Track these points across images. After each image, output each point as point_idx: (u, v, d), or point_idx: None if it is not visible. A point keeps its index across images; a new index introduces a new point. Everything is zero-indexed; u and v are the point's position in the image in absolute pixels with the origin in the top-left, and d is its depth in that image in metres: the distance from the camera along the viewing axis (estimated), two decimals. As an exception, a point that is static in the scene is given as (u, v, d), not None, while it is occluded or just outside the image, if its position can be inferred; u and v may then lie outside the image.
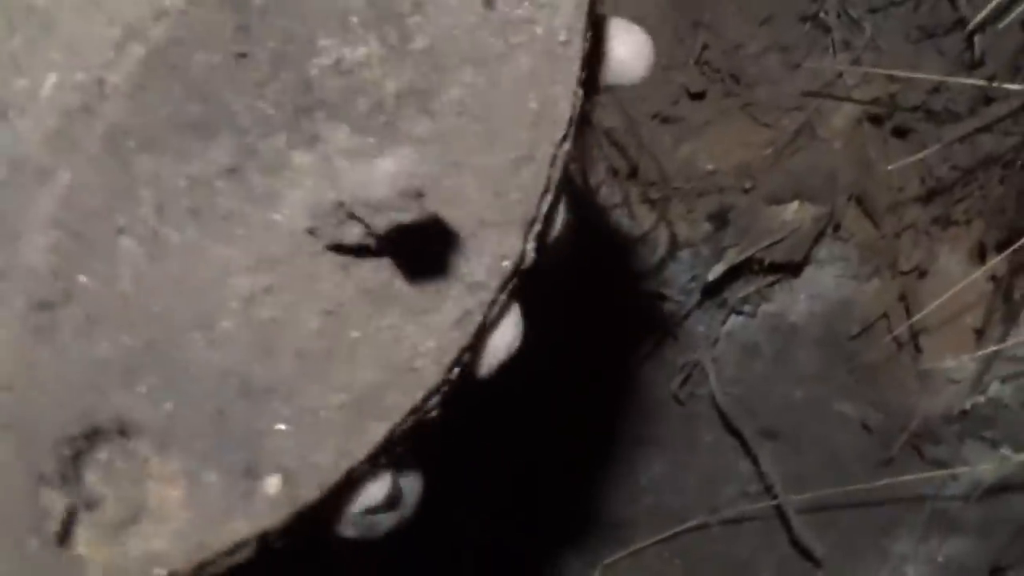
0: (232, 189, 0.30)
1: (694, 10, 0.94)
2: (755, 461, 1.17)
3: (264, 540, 0.31)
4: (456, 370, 0.33)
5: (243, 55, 0.30)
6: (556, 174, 0.33)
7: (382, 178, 0.29)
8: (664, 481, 1.25)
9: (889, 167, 0.83)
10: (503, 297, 0.33)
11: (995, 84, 0.77)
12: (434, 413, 0.33)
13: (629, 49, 0.39)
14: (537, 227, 0.33)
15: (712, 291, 1.13)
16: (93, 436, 0.29)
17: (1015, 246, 0.81)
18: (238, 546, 0.30)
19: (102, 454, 0.30)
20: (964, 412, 1.07)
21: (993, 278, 0.99)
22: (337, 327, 0.31)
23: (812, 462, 1.19)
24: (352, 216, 0.29)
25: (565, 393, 1.11)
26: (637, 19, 0.98)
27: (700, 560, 1.22)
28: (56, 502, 0.29)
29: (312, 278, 0.31)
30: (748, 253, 1.02)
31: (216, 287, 0.30)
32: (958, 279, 0.96)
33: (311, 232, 0.30)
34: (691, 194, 1.06)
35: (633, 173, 1.03)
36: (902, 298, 1.03)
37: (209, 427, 0.30)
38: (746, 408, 1.18)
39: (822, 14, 0.89)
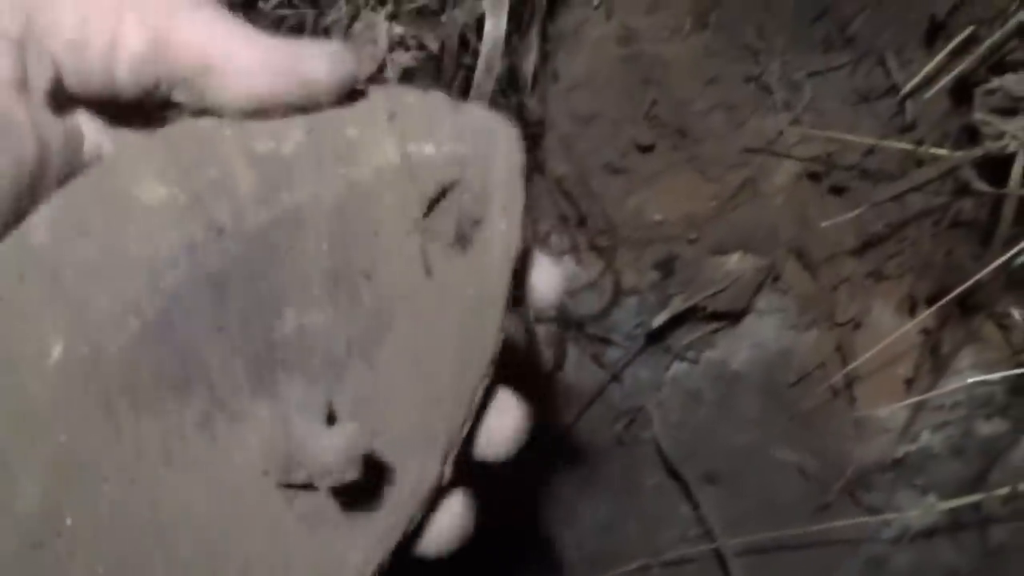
0: (200, 437, 0.35)
1: (644, 68, 0.97)
2: (696, 505, 1.19)
3: None
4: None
5: (221, 328, 0.35)
6: (477, 404, 0.38)
7: (331, 448, 0.33)
8: (607, 524, 1.26)
9: (824, 224, 0.87)
10: (420, 514, 0.38)
11: (924, 148, 0.82)
12: None
13: (545, 282, 0.44)
14: (455, 451, 0.38)
15: (657, 337, 1.16)
16: None
17: (941, 302, 0.85)
18: None
19: None
20: (896, 460, 1.11)
21: (923, 331, 1.04)
22: (277, 546, 0.35)
23: (752, 506, 1.22)
24: (301, 465, 0.34)
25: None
26: (590, 75, 1.01)
27: (641, 603, 1.23)
28: None
29: (260, 508, 0.35)
30: (692, 301, 1.05)
31: (180, 513, 0.34)
32: (890, 331, 1.00)
33: (264, 473, 0.35)
34: (639, 243, 1.09)
35: (582, 221, 1.06)
36: (838, 348, 1.07)
37: None
38: (689, 452, 1.21)
39: (765, 76, 0.93)
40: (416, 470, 0.38)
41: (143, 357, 0.35)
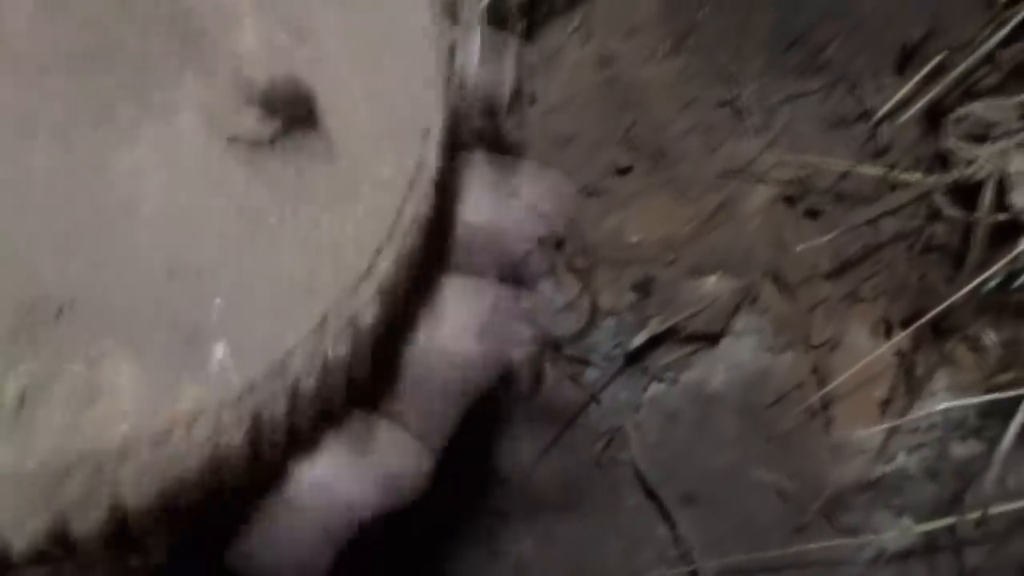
0: (134, 104, 0.33)
1: (621, 91, 0.98)
2: (673, 526, 1.19)
3: (220, 425, 0.31)
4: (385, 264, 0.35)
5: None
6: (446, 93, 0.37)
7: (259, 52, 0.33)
8: (586, 545, 1.26)
9: (800, 247, 0.88)
10: (412, 194, 0.35)
11: (896, 173, 0.83)
12: (371, 312, 0.34)
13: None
14: (436, 136, 0.36)
15: (635, 359, 1.16)
16: (35, 310, 0.30)
17: (915, 325, 0.86)
18: (195, 415, 0.31)
19: (48, 332, 0.30)
20: (872, 481, 1.11)
21: (898, 353, 1.04)
22: (254, 215, 0.33)
23: (729, 528, 1.22)
24: (247, 102, 0.32)
25: (486, 456, 1.13)
26: (567, 99, 1.02)
27: (620, 625, 1.23)
28: (10, 377, 0.29)
29: (221, 172, 0.33)
30: (670, 323, 1.05)
31: (132, 180, 0.32)
32: (866, 353, 1.01)
33: (209, 128, 0.33)
34: (616, 264, 1.09)
35: (559, 243, 1.06)
36: (815, 370, 1.07)
37: (145, 303, 0.31)
38: (667, 473, 1.21)
39: (740, 101, 0.94)
40: (395, 152, 0.36)
41: (46, 31, 0.33)
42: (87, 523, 0.30)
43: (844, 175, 0.93)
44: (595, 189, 1.05)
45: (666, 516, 1.19)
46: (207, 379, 0.31)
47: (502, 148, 0.99)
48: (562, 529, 1.26)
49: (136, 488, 0.30)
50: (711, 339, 1.11)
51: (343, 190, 0.35)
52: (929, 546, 1.13)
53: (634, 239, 1.07)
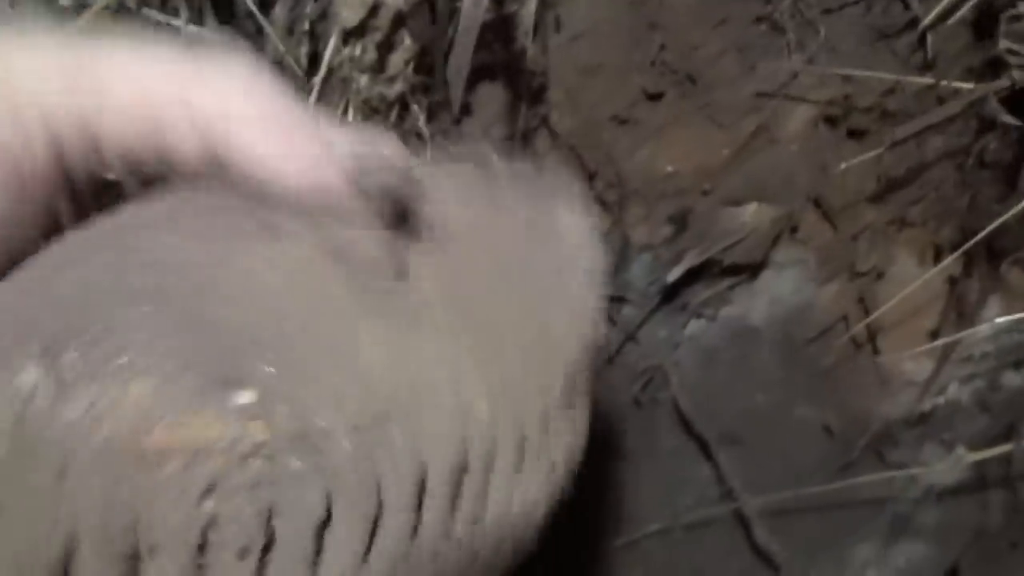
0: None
1: (649, 12, 0.93)
2: (716, 466, 1.16)
3: None
4: None
5: None
6: None
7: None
8: (625, 486, 1.24)
9: (844, 165, 0.83)
10: None
11: (946, 83, 0.78)
12: None
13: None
14: None
15: (672, 294, 1.12)
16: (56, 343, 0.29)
17: (966, 245, 0.81)
18: (193, 450, 0.28)
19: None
20: (923, 414, 1.07)
21: (948, 279, 1.00)
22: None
23: (772, 467, 1.19)
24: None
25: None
26: (593, 23, 0.98)
27: (661, 565, 1.21)
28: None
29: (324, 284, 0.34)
30: (707, 255, 1.02)
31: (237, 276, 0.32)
32: (914, 280, 0.97)
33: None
34: (650, 197, 1.05)
35: (591, 175, 1.03)
36: (860, 300, 1.03)
37: (190, 343, 0.30)
38: (707, 413, 1.18)
39: (777, 15, 0.89)
40: None
41: None
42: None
43: (889, 90, 0.88)
44: (625, 118, 1.01)
45: (708, 456, 1.17)
46: (220, 417, 0.29)
47: (529, 76, 0.96)
48: (600, 471, 1.24)
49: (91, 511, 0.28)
50: (750, 271, 1.07)
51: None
52: (981, 479, 1.09)
53: (668, 169, 1.03)
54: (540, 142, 1.00)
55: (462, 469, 0.32)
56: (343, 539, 0.28)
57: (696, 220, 1.05)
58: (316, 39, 0.75)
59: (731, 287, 1.11)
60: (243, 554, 0.27)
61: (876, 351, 1.03)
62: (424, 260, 0.34)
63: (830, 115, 0.94)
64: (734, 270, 1.07)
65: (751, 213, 1.01)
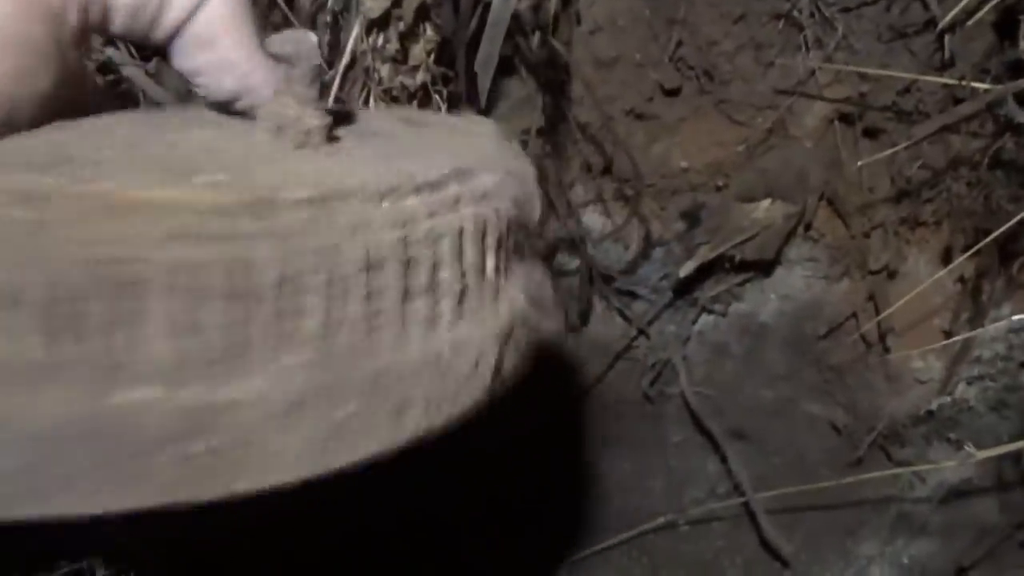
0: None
1: (668, 7, 0.94)
2: (724, 460, 1.17)
3: None
4: None
5: None
6: None
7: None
8: (632, 480, 1.24)
9: (860, 163, 0.83)
10: None
11: (964, 83, 0.78)
12: None
13: None
14: None
15: (684, 290, 1.13)
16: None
17: (979, 245, 0.81)
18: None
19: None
20: (930, 413, 1.08)
21: (961, 279, 1.00)
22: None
23: (780, 463, 1.19)
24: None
25: (534, 391, 1.11)
26: (612, 17, 0.98)
27: (667, 559, 1.22)
28: None
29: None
30: (720, 250, 1.02)
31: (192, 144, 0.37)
32: (926, 280, 0.97)
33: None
34: (664, 192, 1.06)
35: (607, 169, 1.03)
36: (871, 298, 1.04)
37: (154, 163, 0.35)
38: (716, 408, 1.18)
39: (795, 12, 0.89)
40: None
41: None
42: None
43: (906, 89, 0.89)
44: (641, 113, 1.01)
45: (716, 450, 1.17)
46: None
47: (553, 69, 0.96)
48: (608, 464, 1.25)
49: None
50: (762, 268, 1.08)
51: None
52: (989, 478, 1.09)
53: (683, 164, 1.03)
54: (562, 135, 1.01)
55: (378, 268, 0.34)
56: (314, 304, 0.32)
57: (709, 216, 1.05)
58: (339, 28, 0.75)
59: (742, 283, 1.11)
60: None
61: (886, 349, 1.04)
62: (351, 132, 0.40)
63: (846, 113, 0.94)
64: (746, 266, 1.07)
65: (764, 209, 1.01)
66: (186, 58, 0.41)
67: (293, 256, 0.31)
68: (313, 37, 0.39)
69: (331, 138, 0.38)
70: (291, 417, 0.32)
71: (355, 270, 0.32)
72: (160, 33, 0.40)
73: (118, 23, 0.39)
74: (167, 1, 0.39)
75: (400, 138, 0.42)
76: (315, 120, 0.37)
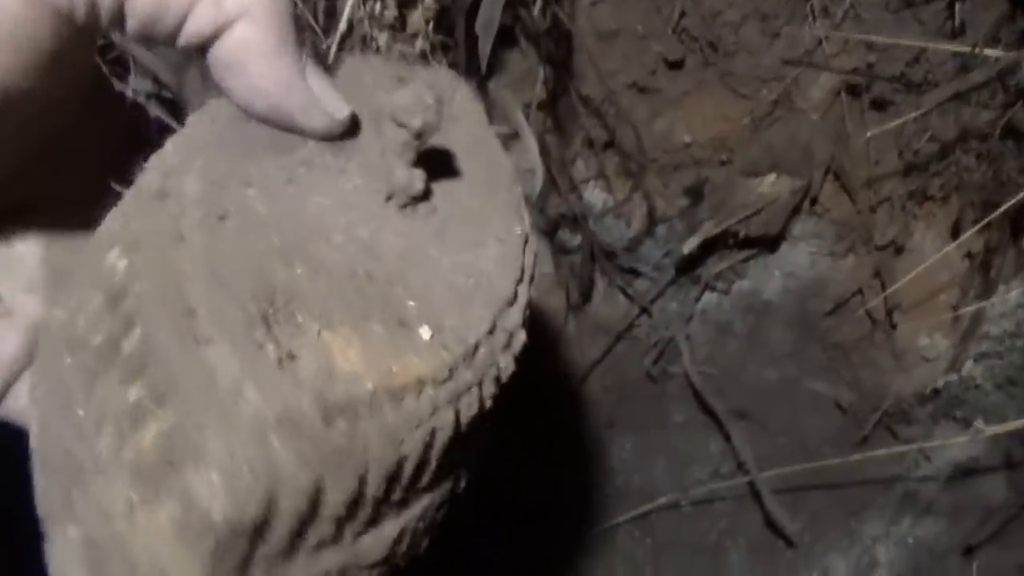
0: (312, 169, 0.42)
1: (672, -24, 0.92)
2: (728, 439, 1.16)
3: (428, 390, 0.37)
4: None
5: None
6: None
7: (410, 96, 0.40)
8: (634, 461, 1.23)
9: (868, 134, 0.82)
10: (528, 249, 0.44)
11: (976, 51, 0.76)
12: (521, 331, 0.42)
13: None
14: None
15: (687, 267, 1.11)
16: (274, 300, 0.36)
17: (988, 219, 0.80)
18: (422, 381, 0.36)
19: (287, 316, 0.36)
20: (936, 391, 1.06)
21: (969, 254, 0.98)
22: (418, 247, 0.41)
23: (783, 443, 1.18)
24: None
25: (536, 371, 1.10)
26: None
27: (670, 539, 1.21)
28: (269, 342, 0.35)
29: (385, 217, 0.41)
30: (724, 226, 1.01)
31: (321, 216, 0.40)
32: (934, 255, 0.95)
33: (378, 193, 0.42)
34: (667, 167, 1.04)
35: (610, 143, 1.02)
36: (877, 274, 1.02)
37: (357, 298, 0.37)
38: (719, 387, 1.17)
39: (802, -20, 0.87)
40: None
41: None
42: (342, 485, 0.35)
43: (915, 59, 0.87)
44: (644, 86, 0.99)
45: (720, 430, 1.16)
46: (422, 353, 0.37)
47: (557, 40, 0.94)
48: (610, 444, 1.24)
49: (379, 448, 0.35)
50: (768, 243, 1.06)
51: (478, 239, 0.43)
52: (996, 456, 1.08)
53: (686, 139, 1.02)
54: (564, 109, 0.99)
55: None
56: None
57: (713, 191, 1.03)
58: (335, -5, 0.73)
59: (746, 260, 1.10)
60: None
61: (893, 326, 1.02)
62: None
63: (853, 85, 0.92)
64: (750, 242, 1.06)
65: (769, 184, 1.00)
66: (215, 77, 0.39)
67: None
68: (445, 95, 0.42)
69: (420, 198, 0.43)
70: None
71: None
72: (184, 44, 0.38)
73: (133, 28, 0.38)
74: (189, 15, 0.37)
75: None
76: (420, 185, 0.41)
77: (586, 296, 1.13)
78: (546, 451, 1.17)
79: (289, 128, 0.41)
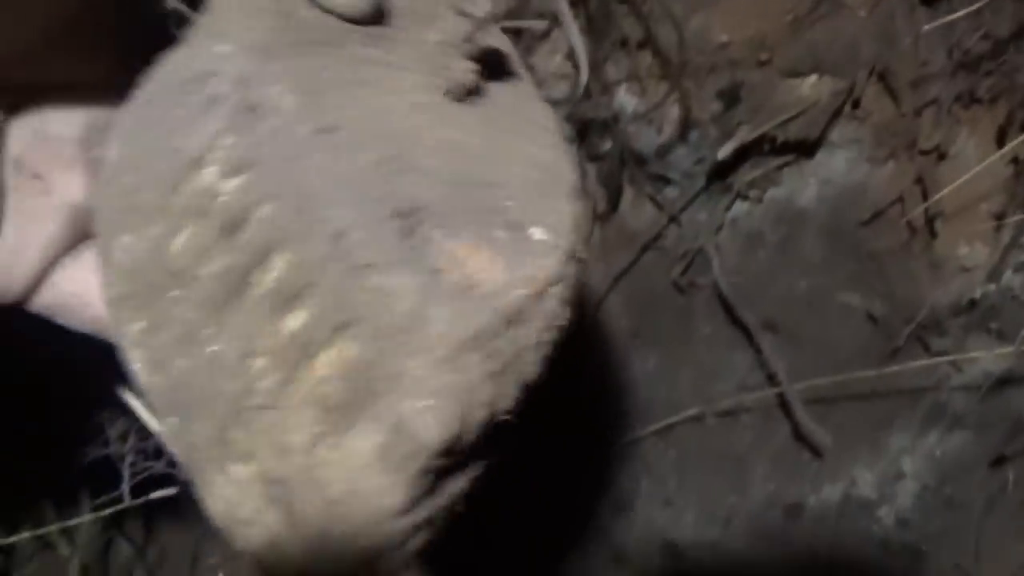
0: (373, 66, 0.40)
1: None
2: (758, 351, 1.14)
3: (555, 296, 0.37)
4: None
5: None
6: None
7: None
8: (660, 373, 1.22)
9: (923, 29, 0.77)
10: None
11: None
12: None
13: None
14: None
15: (718, 175, 1.08)
16: (405, 215, 0.35)
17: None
18: (550, 281, 0.36)
19: (421, 231, 0.35)
20: (972, 302, 1.04)
21: (1015, 161, 0.95)
22: (485, 141, 0.40)
23: (813, 355, 1.16)
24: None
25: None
26: None
27: (695, 452, 1.20)
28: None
29: (454, 115, 0.40)
30: (762, 130, 0.97)
31: (403, 119, 0.38)
32: (979, 162, 0.92)
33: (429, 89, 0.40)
34: (701, 69, 1.00)
35: (644, 43, 0.97)
36: (918, 181, 0.99)
37: (469, 203, 0.36)
38: (748, 298, 1.15)
39: None
40: None
41: None
42: (509, 395, 0.35)
43: (972, -51, 0.82)
44: (680, -19, 0.95)
45: (750, 342, 1.14)
46: (546, 255, 0.36)
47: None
48: (635, 356, 1.22)
49: (534, 353, 0.36)
50: (806, 148, 1.02)
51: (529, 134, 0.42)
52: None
53: (722, 39, 0.97)
54: (596, 5, 0.94)
55: None
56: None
57: (750, 94, 0.99)
58: None
59: (780, 167, 1.06)
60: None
61: (933, 235, 0.99)
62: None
63: (904, -22, 0.88)
64: (787, 148, 1.02)
65: (810, 86, 0.96)
66: None
67: None
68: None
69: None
70: None
71: None
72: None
73: None
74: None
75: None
76: (476, 78, 0.40)
77: (614, 204, 1.10)
78: (569, 363, 1.15)
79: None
